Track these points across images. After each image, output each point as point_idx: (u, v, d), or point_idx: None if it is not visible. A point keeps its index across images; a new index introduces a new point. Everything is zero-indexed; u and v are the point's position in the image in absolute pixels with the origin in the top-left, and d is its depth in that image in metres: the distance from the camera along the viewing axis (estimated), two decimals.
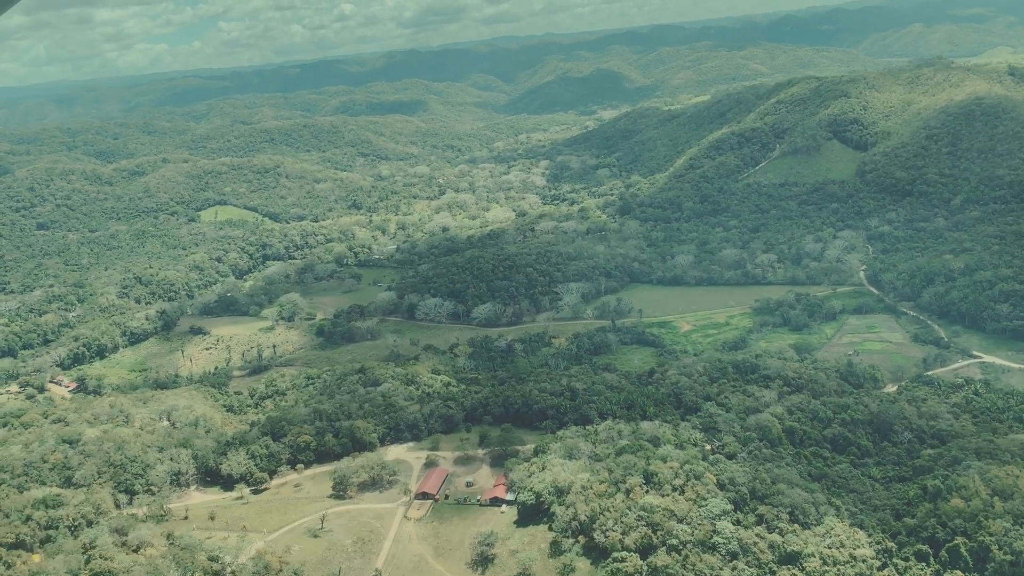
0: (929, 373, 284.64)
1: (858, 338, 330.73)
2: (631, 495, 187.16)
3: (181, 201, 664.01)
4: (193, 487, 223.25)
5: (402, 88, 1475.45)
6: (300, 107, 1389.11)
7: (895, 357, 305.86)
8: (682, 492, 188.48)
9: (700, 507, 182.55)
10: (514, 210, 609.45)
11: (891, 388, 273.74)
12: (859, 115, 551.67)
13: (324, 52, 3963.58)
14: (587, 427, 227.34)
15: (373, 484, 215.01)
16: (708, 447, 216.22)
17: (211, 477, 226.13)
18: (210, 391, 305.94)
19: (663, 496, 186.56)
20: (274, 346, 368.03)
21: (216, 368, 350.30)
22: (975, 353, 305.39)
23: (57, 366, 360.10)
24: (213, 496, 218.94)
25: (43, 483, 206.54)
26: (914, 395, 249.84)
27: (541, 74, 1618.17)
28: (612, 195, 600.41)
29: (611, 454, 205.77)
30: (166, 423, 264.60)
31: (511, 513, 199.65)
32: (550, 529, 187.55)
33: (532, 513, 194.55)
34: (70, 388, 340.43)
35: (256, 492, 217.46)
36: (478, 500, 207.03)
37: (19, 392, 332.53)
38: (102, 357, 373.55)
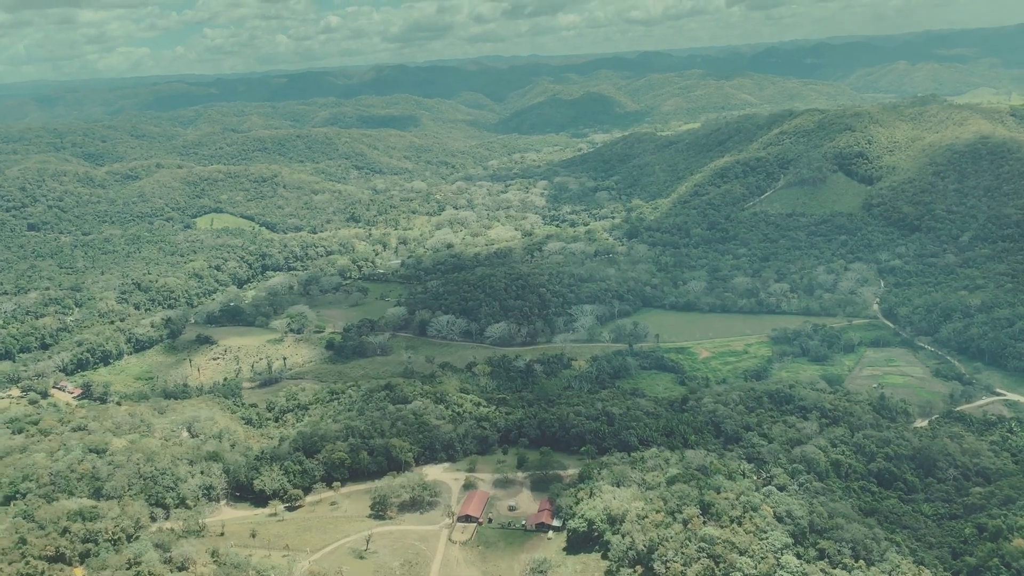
0: (957, 409, 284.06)
1: (878, 371, 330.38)
2: (689, 525, 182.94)
3: (176, 207, 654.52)
4: (223, 502, 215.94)
5: (392, 103, 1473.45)
6: (289, 117, 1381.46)
7: (919, 391, 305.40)
8: (740, 524, 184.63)
9: (761, 540, 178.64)
10: (516, 229, 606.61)
11: (921, 423, 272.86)
12: (864, 148, 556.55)
13: (309, 63, 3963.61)
14: (632, 454, 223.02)
15: (413, 505, 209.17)
16: (756, 478, 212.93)
17: (241, 492, 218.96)
18: (225, 402, 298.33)
19: (722, 527, 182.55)
20: (284, 358, 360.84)
21: (225, 379, 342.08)
22: (998, 390, 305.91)
23: (60, 371, 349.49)
24: (245, 512, 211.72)
25: (71, 494, 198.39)
26: (950, 431, 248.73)
27: (531, 95, 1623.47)
28: (615, 218, 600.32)
29: (662, 483, 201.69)
30: (187, 435, 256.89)
31: (559, 540, 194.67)
32: (604, 558, 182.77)
33: (583, 541, 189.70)
34: (75, 394, 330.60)
35: (290, 509, 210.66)
36: (523, 525, 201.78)
37: (21, 396, 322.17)
38: (106, 363, 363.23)
